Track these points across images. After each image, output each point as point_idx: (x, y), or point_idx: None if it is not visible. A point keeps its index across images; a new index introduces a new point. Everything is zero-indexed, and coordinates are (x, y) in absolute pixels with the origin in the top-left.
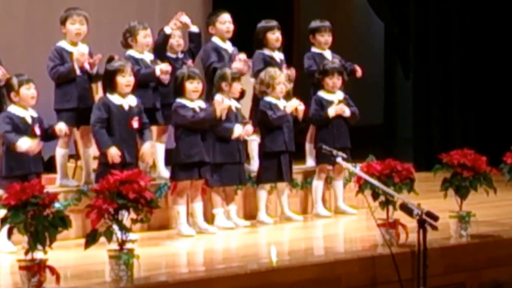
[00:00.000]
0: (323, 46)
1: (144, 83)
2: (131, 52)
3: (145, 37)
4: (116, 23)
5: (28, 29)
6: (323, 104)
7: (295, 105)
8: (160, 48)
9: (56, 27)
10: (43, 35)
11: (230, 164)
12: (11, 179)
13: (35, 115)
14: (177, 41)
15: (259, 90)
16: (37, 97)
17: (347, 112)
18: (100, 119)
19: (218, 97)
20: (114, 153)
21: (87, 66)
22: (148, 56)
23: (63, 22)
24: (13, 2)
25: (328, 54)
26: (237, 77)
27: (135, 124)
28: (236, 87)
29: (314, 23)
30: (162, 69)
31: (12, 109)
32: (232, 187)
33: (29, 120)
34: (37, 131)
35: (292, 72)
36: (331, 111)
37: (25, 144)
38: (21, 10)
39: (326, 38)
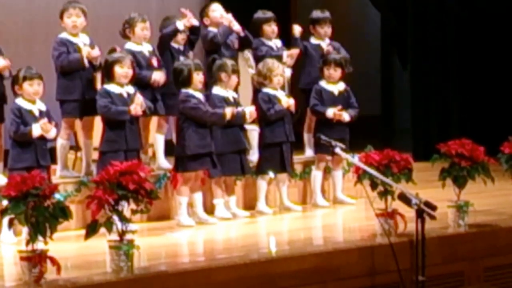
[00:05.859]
0: (322, 37)
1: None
2: (129, 45)
3: (143, 29)
4: (114, 16)
5: (28, 21)
6: (323, 95)
7: (290, 103)
8: (168, 39)
9: (57, 19)
10: (44, 27)
11: (233, 154)
12: (17, 171)
13: (43, 108)
14: (183, 36)
15: (257, 81)
16: (42, 93)
17: (346, 118)
18: (108, 102)
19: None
20: (134, 107)
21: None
22: (146, 47)
23: (61, 15)
24: None
25: (324, 44)
26: (236, 69)
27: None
28: (234, 79)
29: (315, 14)
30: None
31: (20, 101)
32: (232, 177)
33: (37, 113)
34: None
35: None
36: (330, 113)
37: (37, 128)
38: (21, 2)
39: (325, 29)
